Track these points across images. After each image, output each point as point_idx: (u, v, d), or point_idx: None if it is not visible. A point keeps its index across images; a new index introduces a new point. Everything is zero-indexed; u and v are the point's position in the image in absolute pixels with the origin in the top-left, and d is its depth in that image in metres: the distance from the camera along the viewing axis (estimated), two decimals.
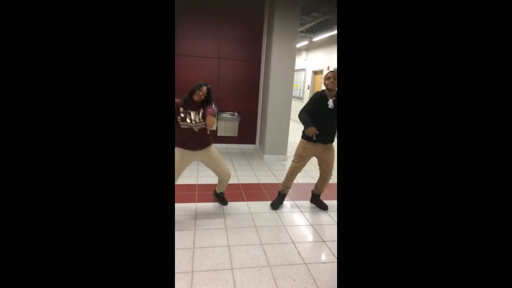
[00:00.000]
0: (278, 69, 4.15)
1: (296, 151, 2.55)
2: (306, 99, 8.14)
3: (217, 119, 4.59)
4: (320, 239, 2.20)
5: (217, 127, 4.65)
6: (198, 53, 4.48)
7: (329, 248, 2.08)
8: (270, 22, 4.19)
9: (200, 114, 2.23)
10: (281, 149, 4.44)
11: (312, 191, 2.80)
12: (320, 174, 2.66)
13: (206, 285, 1.61)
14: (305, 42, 7.60)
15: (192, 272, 1.71)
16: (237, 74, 4.67)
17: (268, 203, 2.78)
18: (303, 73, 8.59)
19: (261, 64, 4.68)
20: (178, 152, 2.29)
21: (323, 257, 1.98)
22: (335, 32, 5.98)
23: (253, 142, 5.04)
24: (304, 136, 2.47)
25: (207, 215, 2.47)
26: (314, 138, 2.31)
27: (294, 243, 2.11)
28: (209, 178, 3.18)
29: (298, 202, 2.83)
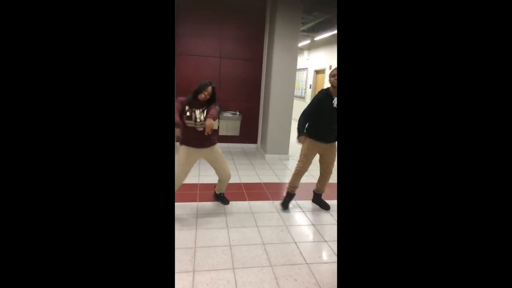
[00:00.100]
0: (280, 68, 4.14)
1: (301, 151, 2.53)
2: (308, 98, 8.13)
3: (219, 118, 4.59)
4: (322, 239, 2.19)
5: (218, 126, 4.65)
6: (200, 52, 4.47)
7: (331, 248, 2.07)
8: (272, 21, 4.18)
9: (205, 113, 2.23)
10: (283, 149, 4.43)
11: (313, 190, 2.79)
12: (320, 173, 2.65)
13: (207, 285, 1.61)
14: (307, 41, 7.58)
15: (194, 271, 1.71)
16: (238, 73, 4.67)
17: (270, 202, 2.77)
18: (305, 72, 8.57)
19: (263, 63, 4.67)
20: (184, 150, 2.31)
21: (325, 257, 1.97)
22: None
23: (255, 142, 5.04)
24: (308, 134, 2.46)
25: (208, 214, 2.47)
26: (301, 143, 2.47)
27: (296, 243, 2.10)
28: (210, 177, 3.18)
29: (300, 202, 2.82)
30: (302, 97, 8.65)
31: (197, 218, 2.37)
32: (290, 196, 2.67)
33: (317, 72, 7.93)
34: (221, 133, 4.72)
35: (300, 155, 2.54)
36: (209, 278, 1.66)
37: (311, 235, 2.27)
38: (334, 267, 1.85)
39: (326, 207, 2.71)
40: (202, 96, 2.19)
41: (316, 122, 2.41)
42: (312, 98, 2.53)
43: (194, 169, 3.47)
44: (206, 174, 3.38)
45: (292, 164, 4.19)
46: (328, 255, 2.00)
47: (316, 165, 2.78)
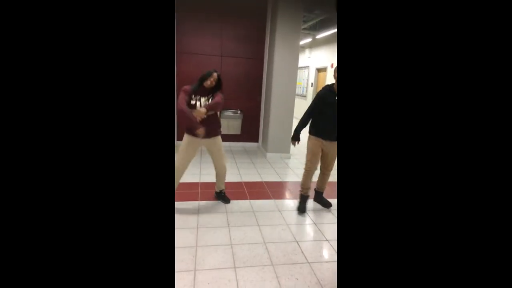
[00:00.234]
0: (281, 66, 4.13)
1: (308, 150, 2.50)
2: (310, 97, 8.10)
3: (220, 118, 4.58)
4: (323, 238, 2.19)
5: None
6: (201, 51, 4.47)
7: (332, 247, 2.06)
8: (273, 19, 4.17)
9: (210, 100, 2.23)
10: (284, 147, 4.42)
11: (314, 189, 2.78)
12: (321, 170, 2.64)
13: (208, 284, 1.61)
14: (309, 39, 7.56)
15: (195, 270, 1.71)
16: (239, 72, 4.66)
17: (271, 201, 2.77)
18: (306, 70, 8.55)
19: (264, 62, 4.66)
20: (186, 138, 2.35)
21: (327, 256, 1.96)
22: None
23: (256, 140, 5.03)
24: (312, 132, 2.44)
25: (209, 213, 2.47)
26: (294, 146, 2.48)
27: (297, 242, 2.09)
28: (211, 176, 3.17)
29: None
30: (303, 96, 8.63)
31: (198, 217, 2.37)
32: (304, 198, 2.62)
33: (319, 70, 7.90)
34: (222, 132, 4.71)
35: (307, 154, 2.52)
36: (210, 277, 1.66)
37: (313, 233, 2.27)
38: (335, 266, 1.84)
39: (327, 205, 2.70)
40: (208, 83, 2.22)
41: (319, 119, 2.39)
42: (314, 96, 2.52)
43: (195, 168, 3.48)
44: (207, 173, 3.38)
45: (293, 162, 4.19)
46: (330, 254, 1.99)
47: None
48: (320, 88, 2.49)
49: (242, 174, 3.52)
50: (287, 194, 3.07)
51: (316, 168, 2.53)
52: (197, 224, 2.25)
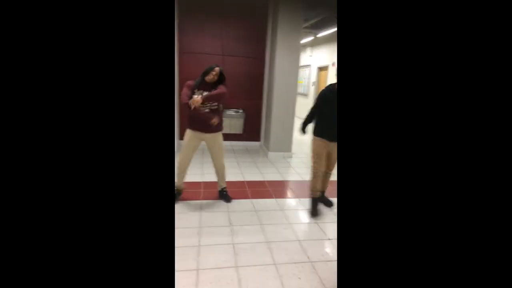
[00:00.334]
0: (283, 65, 4.12)
1: (313, 151, 2.48)
2: (311, 95, 8.09)
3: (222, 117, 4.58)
4: (325, 237, 2.19)
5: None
6: (202, 50, 4.47)
7: (334, 246, 2.06)
8: (274, 18, 4.16)
9: None
10: (286, 147, 4.42)
11: None
12: None
13: (210, 283, 1.61)
14: (310, 38, 7.53)
15: (197, 269, 1.71)
16: (241, 71, 4.65)
17: (273, 200, 2.77)
18: (308, 69, 8.53)
19: (265, 61, 4.65)
20: (188, 133, 2.39)
21: (329, 255, 1.96)
22: None
23: (258, 140, 5.03)
24: (316, 132, 2.43)
25: (212, 212, 2.47)
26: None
27: (299, 241, 2.09)
28: (214, 175, 3.17)
29: (303, 200, 2.81)
30: (305, 95, 8.61)
31: (200, 216, 2.38)
32: (315, 201, 2.57)
33: (320, 69, 7.88)
34: (224, 131, 4.71)
35: (313, 156, 2.49)
36: (213, 276, 1.67)
37: (315, 233, 2.27)
38: None
39: (329, 204, 2.70)
40: (210, 77, 2.24)
41: (321, 120, 2.38)
42: (315, 95, 2.52)
43: (197, 168, 3.49)
44: (209, 172, 3.38)
45: (295, 161, 4.19)
46: (332, 253, 1.99)
47: None
48: (321, 87, 2.48)
49: (244, 173, 3.52)
50: (289, 193, 3.07)
51: (323, 169, 2.50)
52: (200, 223, 2.26)
